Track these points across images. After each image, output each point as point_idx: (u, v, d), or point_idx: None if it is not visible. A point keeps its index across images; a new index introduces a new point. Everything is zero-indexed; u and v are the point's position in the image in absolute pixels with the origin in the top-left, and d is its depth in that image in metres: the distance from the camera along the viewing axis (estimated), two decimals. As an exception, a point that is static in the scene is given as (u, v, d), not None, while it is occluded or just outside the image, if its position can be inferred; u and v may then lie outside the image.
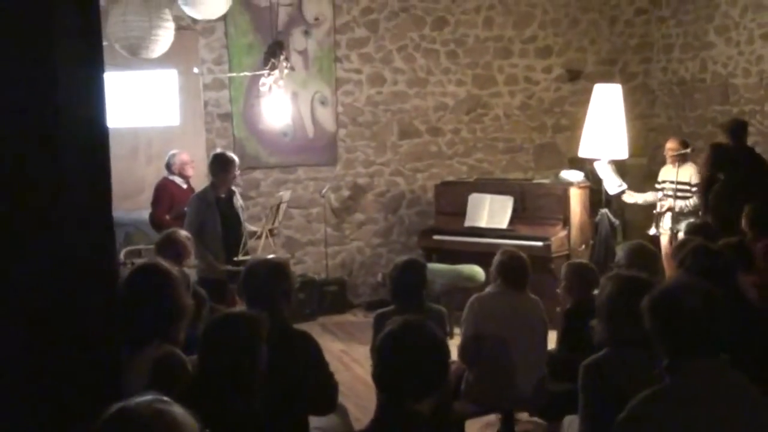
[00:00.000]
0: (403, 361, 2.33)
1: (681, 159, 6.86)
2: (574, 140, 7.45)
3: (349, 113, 8.11)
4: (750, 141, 7.65)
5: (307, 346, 3.25)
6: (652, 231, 6.93)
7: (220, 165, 5.97)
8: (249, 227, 6.38)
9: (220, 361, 2.62)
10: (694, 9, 8.34)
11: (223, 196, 6.00)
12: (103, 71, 2.20)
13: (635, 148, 7.84)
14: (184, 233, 4.93)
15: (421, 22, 8.23)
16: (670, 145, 6.98)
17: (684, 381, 2.26)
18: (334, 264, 8.06)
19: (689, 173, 6.84)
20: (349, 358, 6.31)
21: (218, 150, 6.54)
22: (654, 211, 6.97)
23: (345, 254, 8.19)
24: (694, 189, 6.76)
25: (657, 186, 7.09)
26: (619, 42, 8.88)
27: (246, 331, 2.67)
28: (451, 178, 8.16)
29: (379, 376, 2.37)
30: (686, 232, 5.43)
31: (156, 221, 6.55)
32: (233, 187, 6.18)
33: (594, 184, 7.36)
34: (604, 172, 7.00)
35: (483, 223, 7.17)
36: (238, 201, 6.23)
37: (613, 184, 6.99)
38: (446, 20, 8.31)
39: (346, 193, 8.15)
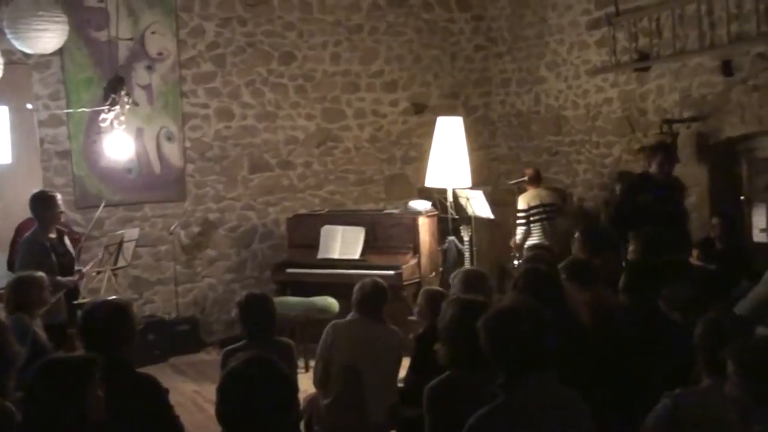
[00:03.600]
0: (246, 397, 2.31)
1: (536, 183, 7.44)
2: (422, 171, 7.69)
3: (198, 148, 7.99)
4: (580, 168, 8.23)
5: (149, 389, 3.14)
6: (516, 262, 7.32)
7: (41, 204, 5.65)
8: (83, 269, 6.09)
9: (43, 408, 2.48)
10: (526, 46, 8.87)
11: (53, 236, 5.70)
12: None
13: (479, 177, 8.19)
14: (40, 276, 4.62)
15: (268, 56, 8.27)
16: (528, 172, 7.63)
17: (517, 397, 2.38)
18: (185, 302, 7.86)
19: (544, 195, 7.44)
20: (202, 398, 6.14)
21: (36, 190, 6.10)
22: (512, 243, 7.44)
23: (197, 292, 8.00)
24: (524, 214, 7.29)
25: (521, 214, 7.48)
26: (461, 77, 9.29)
27: (72, 376, 2.54)
28: (303, 211, 8.19)
29: (222, 414, 2.33)
30: (525, 259, 5.74)
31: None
32: (60, 227, 5.88)
33: (441, 212, 7.63)
34: (479, 201, 7.30)
35: (336, 254, 7.23)
36: (67, 241, 5.93)
37: (488, 212, 7.33)
38: (293, 55, 8.39)
39: (196, 229, 7.99)
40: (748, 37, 6.29)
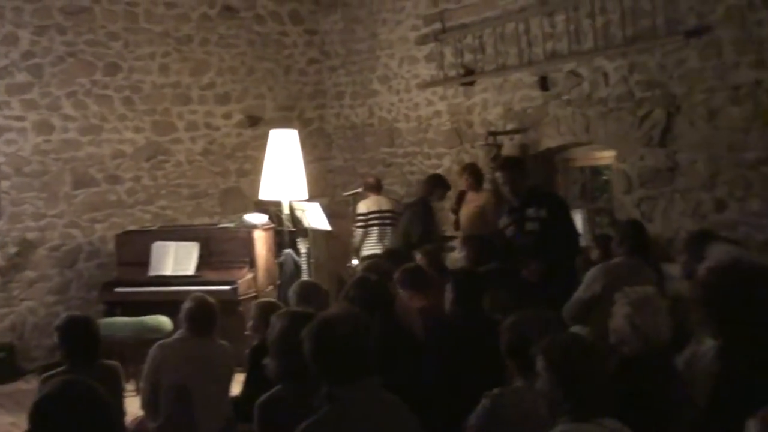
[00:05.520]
0: (58, 423, 2.18)
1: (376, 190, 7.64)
2: (258, 184, 7.61)
3: (14, 163, 7.47)
4: (413, 179, 8.45)
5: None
6: (354, 261, 7.37)
7: None
8: None
9: None
10: (359, 60, 9.02)
11: None
12: None
13: (315, 189, 8.22)
14: None
15: (91, 67, 7.89)
16: (369, 180, 7.80)
17: (341, 406, 2.39)
18: (1, 328, 7.29)
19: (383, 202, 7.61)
20: (20, 430, 5.71)
21: None
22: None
23: (14, 316, 7.46)
24: (362, 218, 7.41)
25: (360, 218, 7.54)
26: (295, 89, 9.29)
27: None
28: (133, 227, 7.87)
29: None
30: (360, 268, 5.80)
31: None
32: None
33: (278, 225, 7.58)
34: (315, 213, 7.27)
35: (168, 271, 6.99)
36: None
37: (325, 223, 7.32)
38: (119, 66, 8.06)
39: (12, 249, 7.45)
40: (561, 55, 6.73)
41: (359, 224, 7.61)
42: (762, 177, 5.43)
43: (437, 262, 5.51)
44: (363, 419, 2.37)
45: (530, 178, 5.80)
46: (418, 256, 5.46)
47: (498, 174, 5.63)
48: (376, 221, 7.60)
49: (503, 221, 5.52)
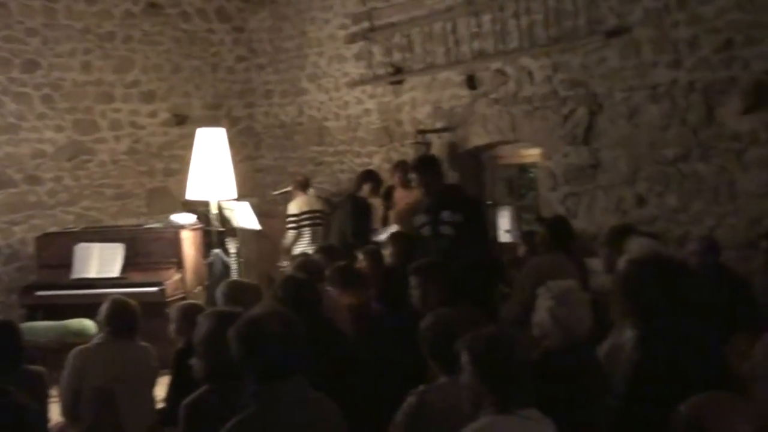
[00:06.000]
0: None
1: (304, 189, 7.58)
2: (186, 183, 7.47)
3: (-76, 163, 7.17)
4: (343, 178, 8.45)
5: None
6: (285, 262, 7.31)
7: None
8: None
9: None
10: (288, 58, 8.96)
11: None
12: None
13: (245, 189, 8.12)
14: None
15: (8, 64, 7.63)
16: (298, 179, 7.72)
17: (267, 405, 2.37)
18: None
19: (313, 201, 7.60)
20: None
21: None
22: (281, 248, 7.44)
23: (-72, 324, 7.13)
24: (295, 219, 7.36)
25: (292, 219, 7.48)
26: (223, 87, 9.17)
27: None
28: (54, 229, 7.63)
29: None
30: (291, 267, 5.76)
31: None
32: None
33: (207, 225, 7.47)
34: (245, 212, 7.17)
35: (93, 273, 6.81)
36: None
37: (255, 223, 7.22)
38: (37, 63, 7.81)
39: (-77, 254, 7.16)
40: (487, 54, 6.82)
41: (291, 225, 7.55)
42: (679, 174, 5.62)
43: (379, 262, 5.48)
44: (289, 417, 2.36)
45: (444, 177, 5.74)
46: (360, 256, 5.44)
47: (412, 175, 5.54)
48: (307, 222, 7.56)
49: (418, 219, 5.47)
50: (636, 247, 4.00)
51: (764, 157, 5.19)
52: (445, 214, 5.24)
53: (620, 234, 4.45)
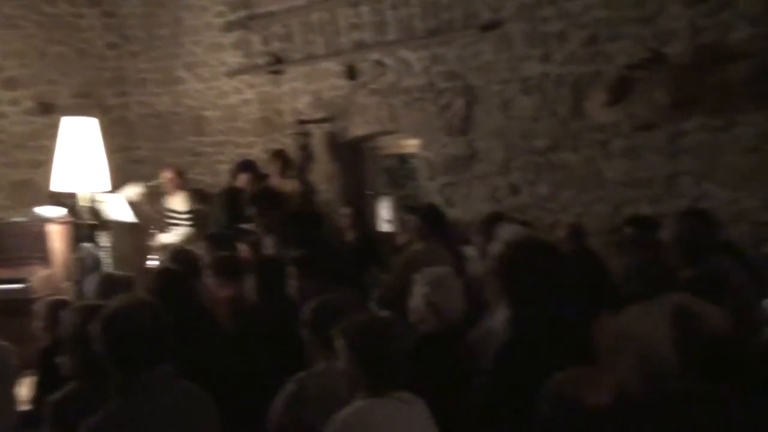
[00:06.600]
0: None
1: (175, 187, 7.23)
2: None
3: None
4: (222, 169, 8.27)
5: None
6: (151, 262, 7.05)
7: None
8: None
9: None
10: (162, 45, 8.67)
11: None
12: None
13: (120, 180, 7.80)
14: None
15: None
16: (167, 175, 7.33)
17: (132, 396, 2.30)
18: None
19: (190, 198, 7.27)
20: None
21: None
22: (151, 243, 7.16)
23: None
24: (184, 216, 7.11)
25: (171, 214, 7.25)
26: (92, 75, 8.76)
27: None
28: None
29: None
30: (165, 259, 5.60)
31: None
32: None
33: (76, 218, 7.13)
34: (118, 205, 6.87)
35: (-50, 271, 6.38)
36: None
37: (130, 215, 6.93)
38: None
39: None
40: (366, 45, 6.85)
41: (171, 221, 7.31)
42: (550, 163, 5.85)
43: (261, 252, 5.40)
44: (156, 408, 2.28)
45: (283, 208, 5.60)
46: (242, 246, 5.34)
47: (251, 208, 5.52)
48: (185, 220, 7.36)
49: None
50: (505, 233, 4.13)
51: (627, 147, 5.48)
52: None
53: (491, 222, 4.59)
